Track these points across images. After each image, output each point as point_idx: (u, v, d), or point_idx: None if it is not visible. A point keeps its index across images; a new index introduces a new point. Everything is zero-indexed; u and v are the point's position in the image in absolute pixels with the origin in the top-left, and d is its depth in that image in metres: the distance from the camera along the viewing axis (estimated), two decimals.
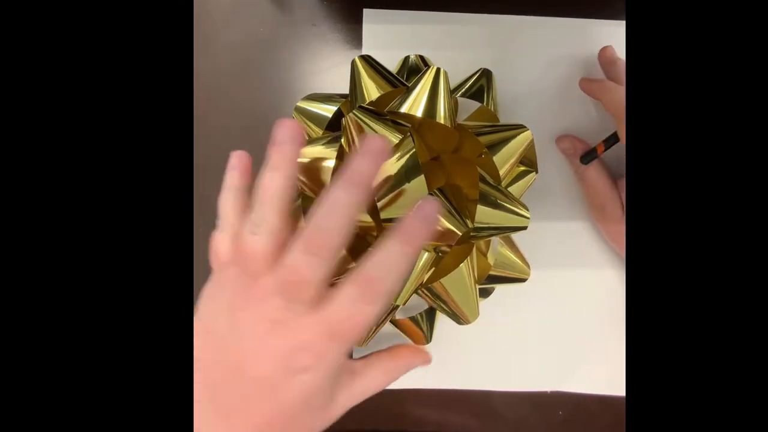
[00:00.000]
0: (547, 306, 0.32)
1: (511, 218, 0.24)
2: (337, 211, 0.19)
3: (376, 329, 0.27)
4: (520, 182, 0.27)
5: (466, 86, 0.29)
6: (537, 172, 0.28)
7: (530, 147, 0.26)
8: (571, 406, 0.31)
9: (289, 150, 0.20)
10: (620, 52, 0.31)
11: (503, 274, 0.28)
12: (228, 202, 0.21)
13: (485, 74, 0.30)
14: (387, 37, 0.32)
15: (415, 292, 0.25)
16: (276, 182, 0.20)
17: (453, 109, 0.25)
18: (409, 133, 0.23)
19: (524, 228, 0.24)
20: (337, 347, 0.18)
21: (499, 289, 0.30)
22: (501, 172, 0.25)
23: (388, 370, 0.22)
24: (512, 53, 0.32)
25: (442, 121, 0.23)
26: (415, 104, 0.23)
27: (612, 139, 0.29)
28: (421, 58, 0.30)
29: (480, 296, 0.29)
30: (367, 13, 0.32)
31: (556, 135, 0.32)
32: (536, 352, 0.31)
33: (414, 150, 0.22)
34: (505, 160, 0.25)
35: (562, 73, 0.32)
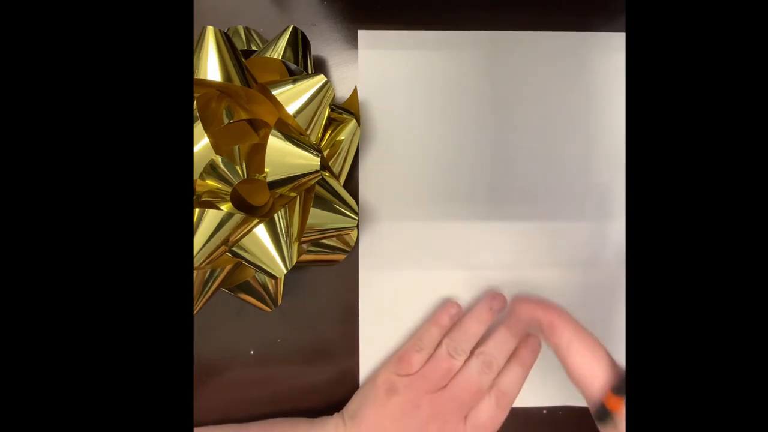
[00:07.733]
0: None
1: (341, 219, 0.26)
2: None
3: (207, 295, 0.27)
4: (346, 130, 0.28)
5: (278, 48, 0.28)
6: (360, 124, 0.28)
7: (332, 94, 0.25)
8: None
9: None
10: (619, 64, 0.32)
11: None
12: (432, 334, 0.29)
13: (293, 32, 0.28)
14: (382, 59, 0.32)
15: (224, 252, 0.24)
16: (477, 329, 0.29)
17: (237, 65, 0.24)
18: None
19: (352, 228, 0.26)
20: None
21: None
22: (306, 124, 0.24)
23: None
24: (510, 69, 0.32)
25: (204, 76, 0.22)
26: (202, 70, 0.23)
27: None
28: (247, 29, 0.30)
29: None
30: (362, 35, 0.32)
31: (557, 150, 0.32)
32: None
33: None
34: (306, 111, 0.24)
35: (560, 87, 0.32)
